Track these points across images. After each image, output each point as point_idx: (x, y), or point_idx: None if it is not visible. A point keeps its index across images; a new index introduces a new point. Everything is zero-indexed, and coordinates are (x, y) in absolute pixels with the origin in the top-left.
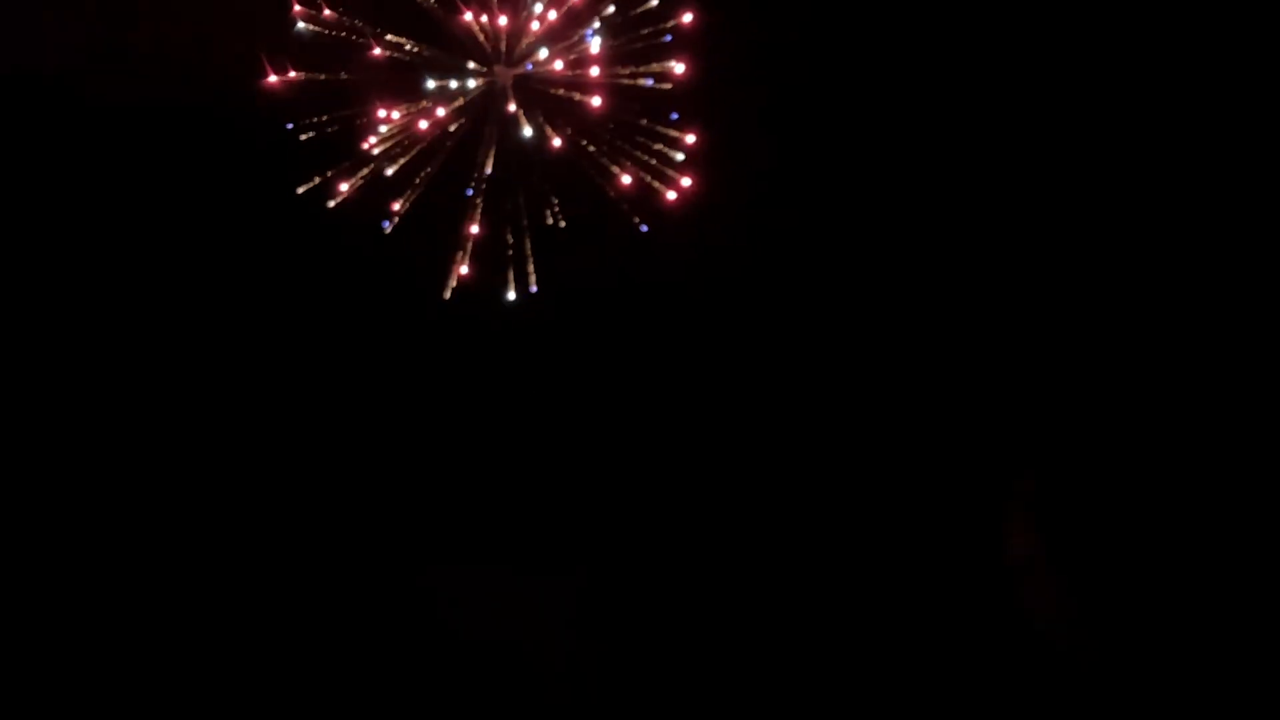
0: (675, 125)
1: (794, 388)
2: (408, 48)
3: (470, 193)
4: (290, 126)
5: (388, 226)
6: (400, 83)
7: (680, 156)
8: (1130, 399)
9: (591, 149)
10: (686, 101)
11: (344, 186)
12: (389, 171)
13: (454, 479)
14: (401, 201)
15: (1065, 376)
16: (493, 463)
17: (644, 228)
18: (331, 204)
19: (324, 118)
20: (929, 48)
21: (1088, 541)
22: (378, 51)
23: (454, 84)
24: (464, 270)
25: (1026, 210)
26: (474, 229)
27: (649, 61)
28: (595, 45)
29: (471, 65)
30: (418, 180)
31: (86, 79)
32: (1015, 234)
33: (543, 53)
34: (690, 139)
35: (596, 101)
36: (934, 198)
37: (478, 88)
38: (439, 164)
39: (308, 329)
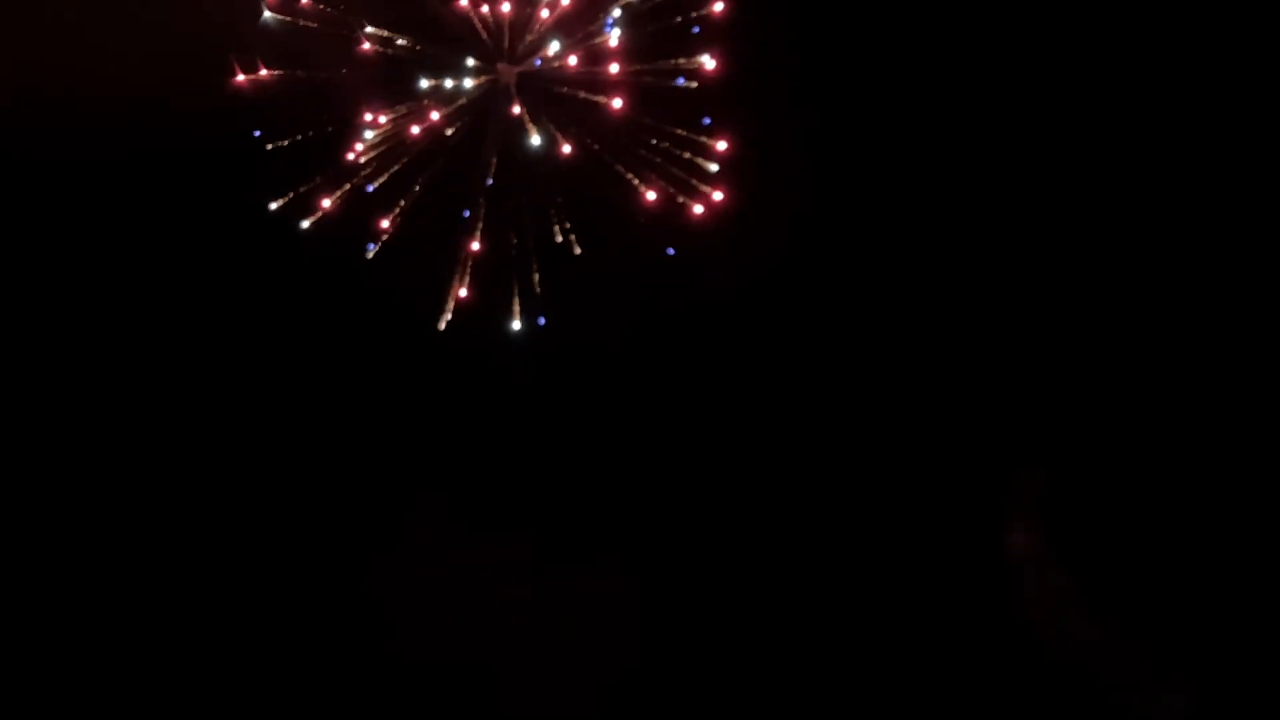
0: (706, 131)
1: (814, 407)
2: (398, 42)
3: (468, 211)
4: (259, 134)
5: (372, 249)
6: (388, 82)
7: (714, 167)
8: (1131, 398)
9: (609, 158)
10: (719, 103)
11: (325, 202)
12: (375, 185)
13: (451, 532)
14: (390, 219)
15: (1067, 377)
16: (494, 514)
17: (670, 250)
18: (307, 223)
19: (301, 123)
20: (995, 37)
21: (1089, 540)
22: (365, 46)
23: (449, 83)
24: (462, 293)
25: (1039, 212)
26: (473, 250)
27: (675, 56)
28: (614, 38)
29: (471, 62)
30: (408, 194)
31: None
32: (1033, 236)
33: (554, 46)
34: (722, 146)
35: (617, 104)
36: (974, 203)
37: (477, 87)
38: (433, 176)
39: (284, 366)
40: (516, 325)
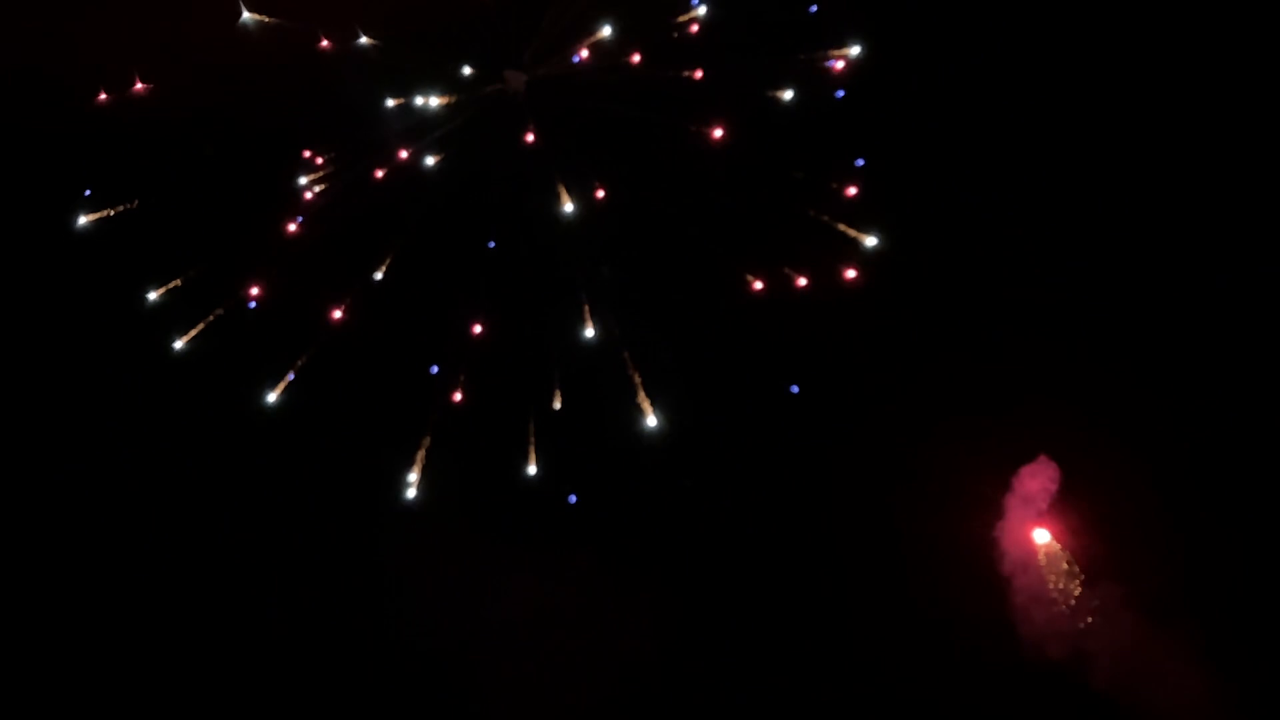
0: (854, 175)
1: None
2: (362, 41)
3: (461, 287)
4: (89, 192)
5: (289, 378)
6: (341, 103)
7: (871, 241)
8: (1132, 399)
9: (683, 218)
10: (872, 128)
11: (251, 292)
12: (315, 262)
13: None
14: (342, 307)
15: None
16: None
17: (794, 388)
18: (183, 341)
19: (202, 164)
20: None
21: (1088, 539)
22: (324, 45)
23: (421, 100)
24: (456, 397)
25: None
26: (474, 334)
27: (801, 49)
28: (698, 20)
29: (466, 70)
30: (370, 267)
31: None
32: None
33: (604, 32)
34: (852, 191)
35: (717, 133)
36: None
37: (469, 104)
38: (406, 237)
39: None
40: (533, 470)
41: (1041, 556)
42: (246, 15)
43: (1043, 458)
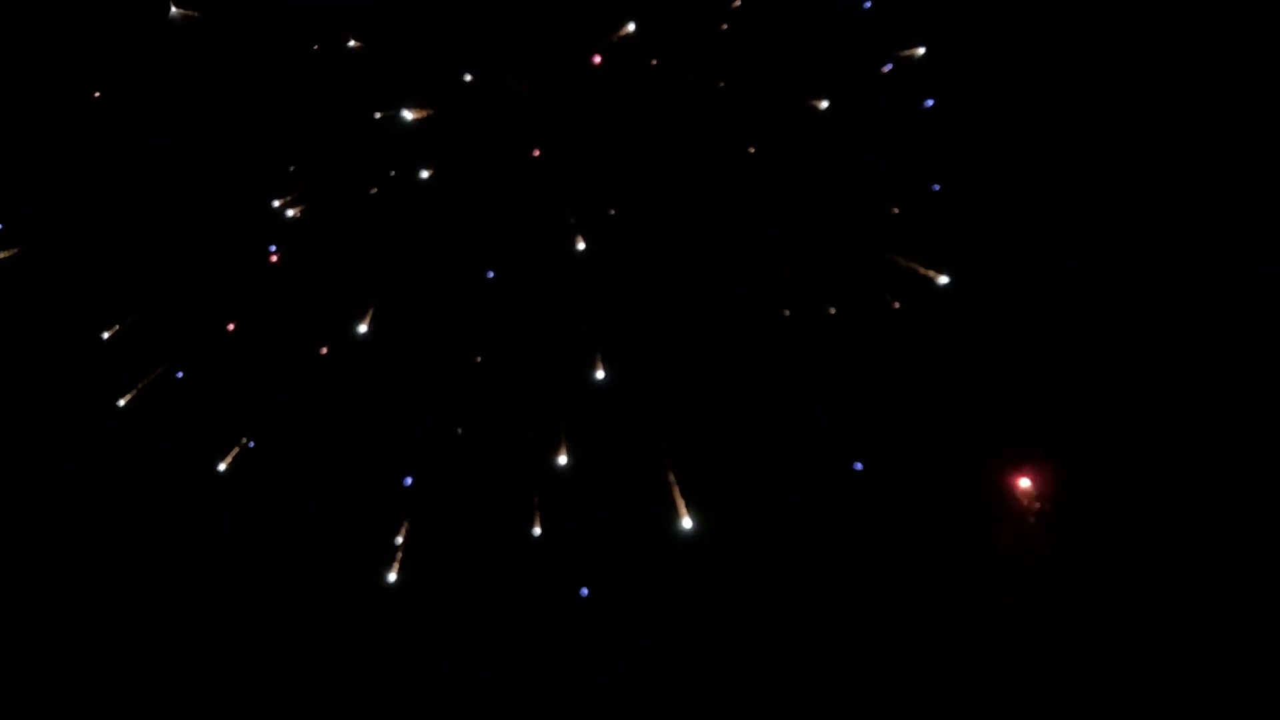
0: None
1: None
2: (350, 45)
3: (456, 316)
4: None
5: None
6: (319, 112)
7: (943, 280)
8: (1130, 398)
9: (711, 243)
10: (950, 142)
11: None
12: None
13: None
14: (326, 347)
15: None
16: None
17: (859, 465)
18: (124, 401)
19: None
20: None
21: (1086, 538)
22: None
23: (407, 111)
24: (458, 431)
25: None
26: (475, 361)
27: (857, 46)
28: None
29: (468, 77)
30: (360, 295)
31: None
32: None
33: (624, 30)
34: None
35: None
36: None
37: (464, 115)
38: (399, 263)
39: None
40: (537, 531)
41: (1020, 493)
42: (175, 10)
43: (1040, 459)
